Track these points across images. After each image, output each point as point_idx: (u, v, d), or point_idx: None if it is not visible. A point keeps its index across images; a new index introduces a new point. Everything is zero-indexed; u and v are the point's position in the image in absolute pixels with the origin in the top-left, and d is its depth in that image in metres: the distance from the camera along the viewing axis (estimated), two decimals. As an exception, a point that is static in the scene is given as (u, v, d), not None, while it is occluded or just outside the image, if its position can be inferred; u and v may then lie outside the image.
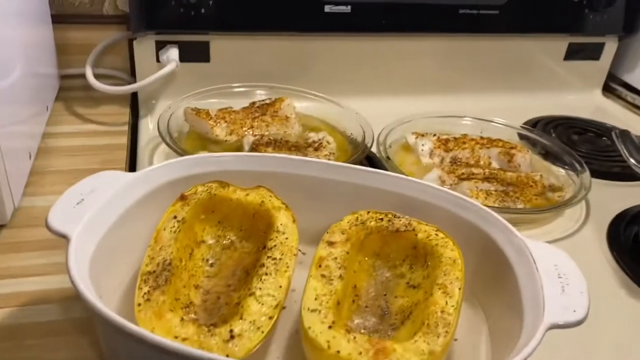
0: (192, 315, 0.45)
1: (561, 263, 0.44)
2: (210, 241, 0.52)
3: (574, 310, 0.40)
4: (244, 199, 0.53)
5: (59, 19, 0.87)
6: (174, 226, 0.48)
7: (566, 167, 0.79)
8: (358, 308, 0.47)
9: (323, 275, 0.45)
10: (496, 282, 0.49)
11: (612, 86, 1.10)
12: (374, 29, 0.89)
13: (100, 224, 0.45)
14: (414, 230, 0.51)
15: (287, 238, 0.49)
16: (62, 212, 0.44)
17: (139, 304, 0.42)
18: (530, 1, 0.94)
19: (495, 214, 0.50)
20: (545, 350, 0.38)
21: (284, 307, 0.50)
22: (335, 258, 0.47)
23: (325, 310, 0.41)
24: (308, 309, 0.41)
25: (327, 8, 0.85)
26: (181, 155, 0.67)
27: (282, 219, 0.51)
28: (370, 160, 0.77)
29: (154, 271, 0.44)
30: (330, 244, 0.48)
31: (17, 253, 0.57)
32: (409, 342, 0.39)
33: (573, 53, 1.03)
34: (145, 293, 0.42)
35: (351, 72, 0.93)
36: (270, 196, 0.53)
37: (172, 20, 0.81)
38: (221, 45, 0.86)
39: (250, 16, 0.84)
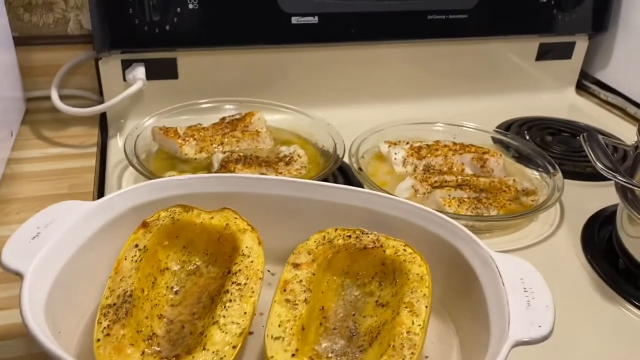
0: (155, 347, 0.44)
1: (527, 276, 0.44)
2: (175, 267, 0.51)
3: (539, 326, 0.39)
4: (209, 222, 0.52)
5: (22, 40, 0.85)
6: (135, 255, 0.47)
7: (539, 169, 0.79)
8: (326, 330, 0.46)
9: (287, 300, 0.44)
10: (465, 294, 0.48)
11: (585, 84, 1.10)
12: (343, 39, 0.89)
13: (57, 258, 0.44)
14: (382, 246, 0.50)
15: (252, 261, 0.48)
16: (17, 247, 0.43)
17: (98, 340, 0.41)
18: (498, 4, 0.94)
19: (461, 226, 0.50)
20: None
21: (251, 333, 0.49)
22: (301, 281, 0.46)
23: (289, 337, 0.41)
24: (271, 337, 0.41)
25: (294, 20, 0.84)
26: (149, 177, 0.66)
27: (248, 241, 0.50)
28: (343, 172, 0.77)
29: (114, 304, 0.43)
30: (296, 266, 0.47)
31: (-21, 287, 0.55)
32: (374, 367, 0.38)
33: (544, 53, 1.03)
34: (104, 327, 0.41)
35: (321, 82, 0.92)
36: (236, 218, 0.52)
37: (137, 39, 0.80)
38: (189, 61, 0.85)
39: (217, 30, 0.83)
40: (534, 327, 0.39)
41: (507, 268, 0.45)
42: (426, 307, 0.44)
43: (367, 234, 0.52)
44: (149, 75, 0.84)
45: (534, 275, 0.44)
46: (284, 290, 0.45)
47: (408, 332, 0.41)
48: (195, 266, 0.52)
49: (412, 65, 0.96)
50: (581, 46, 1.05)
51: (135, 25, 0.78)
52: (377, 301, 0.49)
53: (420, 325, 0.42)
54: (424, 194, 0.72)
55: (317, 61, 0.91)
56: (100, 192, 0.73)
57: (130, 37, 0.80)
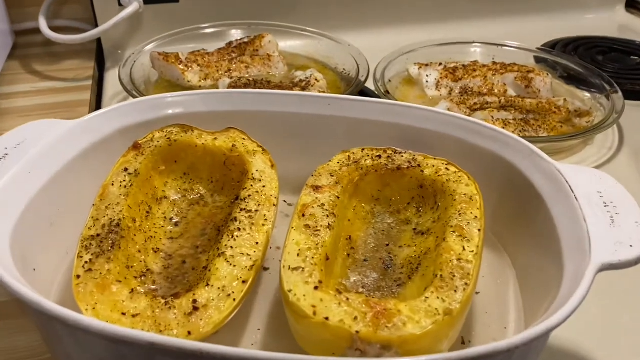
0: (150, 285, 0.36)
1: (607, 189, 0.35)
2: (174, 197, 0.44)
3: (630, 245, 0.30)
4: (212, 144, 0.43)
5: (6, -34, 0.77)
6: (124, 180, 0.40)
7: (593, 90, 0.69)
8: (355, 262, 0.38)
9: (307, 226, 0.36)
10: (524, 219, 0.40)
11: (638, 1, 0.98)
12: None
13: (28, 183, 0.37)
14: (419, 166, 0.42)
15: (264, 186, 0.40)
16: (-21, 169, 0.36)
17: (78, 276, 0.33)
18: None
19: (517, 137, 0.41)
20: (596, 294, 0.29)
21: (266, 269, 0.42)
22: (322, 205, 0.38)
23: (311, 268, 0.33)
24: (289, 268, 0.33)
25: None
26: (146, 104, 0.58)
27: (258, 164, 0.42)
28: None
29: (98, 235, 0.36)
30: (316, 188, 0.39)
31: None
32: (418, 300, 0.30)
33: (591, -35, 0.91)
34: (86, 262, 0.34)
35: (341, 2, 0.82)
36: (244, 139, 0.44)
37: (131, -45, 0.71)
38: (190, -19, 0.76)
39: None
40: (623, 248, 0.30)
41: (580, 181, 0.36)
42: (479, 230, 0.35)
43: (400, 153, 0.43)
44: (147, -1, 0.74)
45: (615, 187, 0.35)
46: (303, 216, 0.37)
47: (459, 260, 0.33)
48: (198, 195, 0.44)
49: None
50: (634, -45, 0.92)
51: (127, -63, 0.69)
52: (415, 229, 0.40)
53: (473, 251, 0.34)
54: (462, 117, 0.63)
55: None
56: (96, 127, 0.65)
57: (123, -47, 0.70)
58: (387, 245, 0.40)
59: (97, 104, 0.69)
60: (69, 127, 0.41)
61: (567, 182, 0.36)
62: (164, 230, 0.41)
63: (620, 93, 0.65)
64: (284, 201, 0.48)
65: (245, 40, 0.72)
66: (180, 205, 0.43)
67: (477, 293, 0.39)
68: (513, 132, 0.59)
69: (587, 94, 0.70)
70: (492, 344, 0.25)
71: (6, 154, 0.38)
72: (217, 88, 0.65)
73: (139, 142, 0.43)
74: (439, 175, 0.41)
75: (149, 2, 0.75)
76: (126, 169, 0.40)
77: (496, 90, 0.68)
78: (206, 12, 0.77)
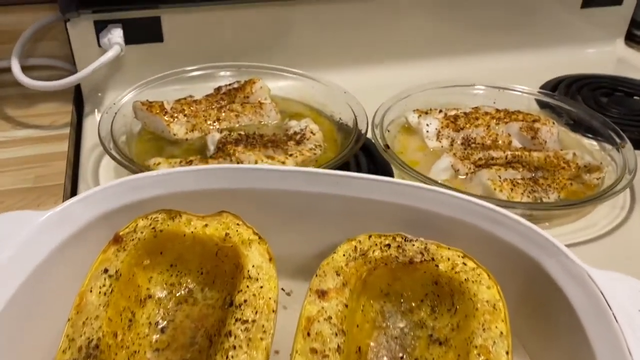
0: (133, 419, 0.32)
1: (649, 306, 0.31)
2: (160, 294, 0.39)
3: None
4: (202, 232, 0.39)
5: (-24, 1, 0.72)
6: (104, 285, 0.35)
7: (600, 139, 0.66)
8: (366, 383, 0.34)
9: (314, 350, 0.32)
10: (551, 325, 0.36)
11: (636, 34, 0.95)
12: (359, -13, 0.74)
13: (-6, 297, 0.32)
14: (433, 259, 0.38)
15: (261, 287, 0.36)
16: None
17: (49, 419, 0.29)
18: (541, -60, 0.79)
19: (543, 232, 0.37)
20: None
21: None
22: (330, 317, 0.34)
23: (320, 411, 0.28)
24: (294, 410, 0.29)
25: (301, -35, 0.70)
26: (128, 166, 0.53)
27: (255, 258, 0.38)
28: (366, 149, 0.64)
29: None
30: (322, 294, 0.35)
31: None
32: None
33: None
34: (59, 399, 0.29)
35: (334, 41, 0.78)
36: (238, 224, 0.40)
37: (111, -6, 0.66)
38: (175, 21, 0.71)
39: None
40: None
41: (617, 293, 0.32)
42: (507, 352, 0.31)
43: (411, 241, 0.39)
44: (129, 39, 0.70)
45: (659, 304, 0.32)
46: (308, 335, 0.32)
47: (488, 398, 0.29)
48: (187, 290, 0.40)
49: (440, 15, 0.82)
50: (635, -11, 0.90)
51: (107, -24, 0.64)
52: (431, 335, 0.36)
53: (503, 383, 0.30)
54: (467, 174, 0.59)
55: (329, 16, 0.76)
56: (73, 185, 0.60)
57: (102, -8, 0.66)
58: (402, 357, 0.36)
59: (75, 155, 0.64)
60: (42, 220, 0.37)
61: (602, 294, 0.32)
62: (148, 340, 0.36)
63: (630, 146, 0.62)
64: (282, 289, 0.43)
65: (235, 85, 0.68)
66: (167, 304, 0.39)
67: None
68: (522, 193, 0.56)
69: (595, 143, 0.67)
70: None
71: (-33, 261, 0.33)
72: (206, 142, 0.60)
73: (120, 233, 0.38)
74: (455, 272, 0.37)
75: (131, 42, 0.70)
76: (106, 270, 0.36)
77: (500, 142, 0.65)
78: (193, 53, 0.73)
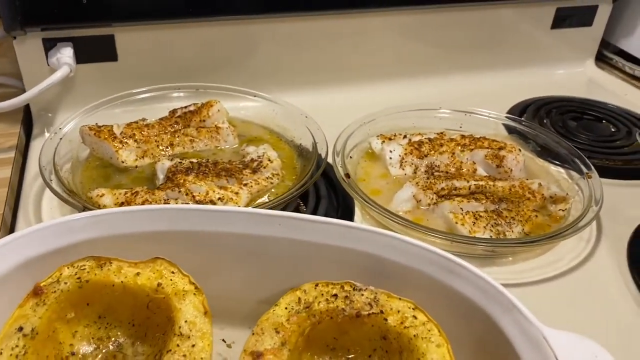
0: None
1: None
2: (86, 349, 0.36)
3: None
4: (133, 282, 0.36)
5: None
6: (16, 346, 0.32)
7: (567, 166, 0.64)
8: None
9: None
10: (504, 387, 0.34)
11: (607, 55, 0.95)
12: (323, 7, 0.72)
13: None
14: (382, 312, 0.35)
15: (193, 345, 0.33)
16: None
17: None
18: (510, -39, 0.77)
19: (499, 286, 0.35)
20: None
21: None
22: (264, 384, 0.31)
23: None
24: None
25: (256, -17, 0.67)
26: (68, 201, 0.50)
27: (188, 312, 0.35)
28: (326, 175, 0.61)
29: None
30: (257, 356, 0.32)
31: None
32: None
33: (561, 20, 0.87)
34: None
35: (296, 61, 0.76)
36: (172, 273, 0.37)
37: (61, 10, 0.63)
38: (130, 39, 0.68)
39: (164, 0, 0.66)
40: None
41: (573, 356, 0.30)
42: None
43: (359, 290, 0.37)
44: (80, 58, 0.67)
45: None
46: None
47: None
48: (116, 344, 0.37)
49: (406, 36, 0.80)
50: (604, 11, 0.89)
51: (56, -7, 0.61)
52: (378, 395, 0.34)
53: None
54: (429, 205, 0.57)
55: (290, 34, 0.74)
56: (14, 215, 0.56)
57: (52, 8, 0.62)
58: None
59: (19, 185, 0.61)
60: (-49, 271, 0.33)
61: (555, 357, 0.30)
62: (69, 406, 0.33)
63: (597, 176, 0.60)
64: (223, 340, 0.40)
65: (191, 108, 0.65)
66: (93, 361, 0.36)
67: None
68: (485, 227, 0.54)
69: (562, 170, 0.65)
70: None
71: None
72: (155, 171, 0.57)
73: (41, 284, 0.35)
74: (405, 327, 0.34)
75: (83, 60, 0.67)
76: (21, 329, 0.33)
77: (465, 169, 0.63)
78: (149, 72, 0.70)
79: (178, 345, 0.33)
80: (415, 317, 0.35)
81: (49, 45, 0.65)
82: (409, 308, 0.35)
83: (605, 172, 0.65)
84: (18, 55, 0.66)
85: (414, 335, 0.34)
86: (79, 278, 0.35)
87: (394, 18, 0.77)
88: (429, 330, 0.34)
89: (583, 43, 0.91)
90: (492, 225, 0.54)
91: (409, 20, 0.78)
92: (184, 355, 0.32)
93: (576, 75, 0.92)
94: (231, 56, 0.73)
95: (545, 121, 0.76)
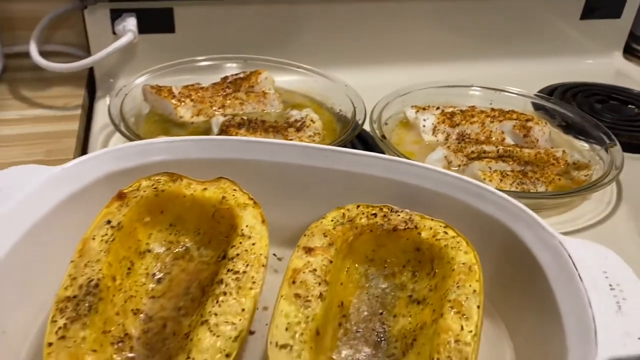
0: (127, 354, 0.34)
1: (612, 268, 0.34)
2: (158, 249, 0.41)
3: (639, 338, 0.29)
4: (201, 194, 0.42)
5: (0, -11, 0.75)
6: (106, 234, 0.38)
7: (591, 140, 0.68)
8: (346, 334, 0.36)
9: (297, 295, 0.34)
10: (524, 291, 0.38)
11: (635, 48, 0.98)
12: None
13: (6, 235, 0.35)
14: (416, 227, 0.40)
15: (254, 244, 0.38)
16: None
17: (50, 344, 0.31)
18: (542, -49, 0.82)
19: (521, 205, 0.39)
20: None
21: (252, 333, 0.40)
22: (314, 270, 0.36)
23: (299, 346, 0.31)
24: (276, 345, 0.31)
25: (309, -35, 0.73)
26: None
27: (249, 219, 0.40)
28: (363, 141, 0.66)
29: (75, 296, 0.34)
30: (308, 250, 0.37)
31: None
32: (414, 390, 0.28)
33: (590, 11, 0.91)
34: (60, 328, 0.32)
35: (339, 40, 0.81)
36: (234, 190, 0.42)
37: (127, -16, 0.70)
38: (187, 13, 0.74)
39: (219, -24, 0.72)
40: (632, 340, 0.29)
41: (584, 258, 0.34)
42: (478, 307, 0.34)
43: (397, 212, 0.42)
44: (142, 28, 0.73)
45: (621, 267, 0.34)
46: (293, 283, 0.35)
47: (457, 341, 0.31)
48: (184, 248, 0.42)
49: (441, 22, 0.85)
50: (633, 3, 0.92)
51: (125, -33, 0.68)
52: (410, 296, 0.39)
53: (472, 331, 0.32)
54: (460, 166, 0.61)
55: (335, 15, 0.79)
56: (82, 160, 0.63)
57: (119, -18, 0.69)
58: (381, 313, 0.38)
59: (85, 136, 0.67)
60: (52, 174, 0.39)
61: (571, 259, 0.34)
62: (145, 288, 0.39)
63: (619, 146, 0.64)
64: (274, 254, 0.46)
65: (241, 75, 0.71)
66: (164, 259, 0.41)
67: (472, 367, 0.37)
68: (511, 184, 0.58)
69: (586, 144, 0.69)
70: None
71: (-17, 203, 0.35)
72: (210, 125, 0.63)
73: (124, 191, 0.41)
74: (436, 239, 0.39)
75: (144, 31, 0.73)
76: (109, 222, 0.38)
77: (494, 138, 0.67)
78: (202, 44, 0.76)
79: (240, 243, 0.38)
80: (446, 232, 0.40)
81: (115, 15, 0.72)
82: (440, 226, 0.40)
83: (629, 148, 0.69)
84: (87, 24, 0.73)
85: (444, 245, 0.38)
86: (155, 188, 0.41)
87: (430, 3, 0.82)
88: (458, 242, 0.39)
89: (611, 34, 0.95)
90: (518, 184, 0.58)
91: (443, 6, 0.83)
92: (246, 250, 0.38)
93: (604, 66, 0.95)
94: (278, 33, 0.78)
95: (571, 102, 0.80)
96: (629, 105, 0.82)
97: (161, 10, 0.73)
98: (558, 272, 0.35)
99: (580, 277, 0.33)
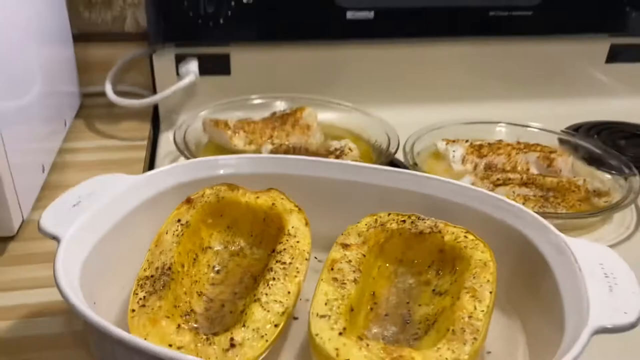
0: (193, 324, 0.41)
1: (608, 261, 0.39)
2: (218, 247, 0.49)
3: (625, 312, 0.34)
4: (254, 202, 0.49)
5: (81, 37, 0.87)
6: (177, 230, 0.45)
7: (613, 171, 0.73)
8: (376, 316, 0.42)
9: (335, 279, 0.40)
10: (534, 287, 0.43)
11: (661, 89, 1.02)
12: (399, 35, 0.86)
13: (96, 227, 0.43)
14: (440, 232, 0.46)
15: (298, 241, 0.45)
16: (56, 214, 0.42)
17: (133, 310, 0.38)
18: (565, 0, 0.88)
19: (531, 212, 0.45)
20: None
21: (295, 318, 0.46)
22: (350, 261, 0.42)
23: (336, 316, 0.37)
24: (317, 315, 0.37)
25: (349, 14, 0.82)
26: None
27: (294, 221, 0.47)
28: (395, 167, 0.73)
29: (152, 276, 0.41)
30: (345, 246, 0.44)
31: (23, 265, 0.54)
32: (431, 350, 0.34)
33: (616, 55, 0.96)
34: (140, 299, 0.39)
35: (376, 80, 0.89)
36: (282, 198, 0.49)
37: (191, 32, 0.80)
38: (242, 57, 0.84)
39: (270, 26, 0.82)
40: (618, 314, 0.34)
41: (584, 254, 0.40)
42: (490, 292, 0.39)
43: (423, 219, 0.48)
44: (202, 71, 0.83)
45: (616, 260, 0.39)
46: (332, 269, 0.41)
47: (470, 317, 0.37)
48: (239, 247, 0.49)
49: (472, 64, 0.92)
50: (657, 48, 0.98)
51: (190, 18, 0.78)
52: (434, 290, 0.44)
53: (483, 310, 0.37)
54: (485, 191, 0.67)
55: (372, 58, 0.88)
56: (148, 182, 0.71)
57: (184, 30, 0.79)
58: (408, 303, 0.44)
59: (151, 162, 0.76)
60: (133, 181, 0.47)
61: (572, 254, 0.40)
62: (207, 276, 0.46)
63: (638, 176, 0.68)
64: (315, 257, 0.52)
65: (288, 111, 0.79)
66: (223, 255, 0.48)
67: (488, 352, 0.42)
68: (533, 207, 0.63)
69: (608, 176, 0.73)
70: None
71: (79, 201, 0.44)
72: (260, 152, 0.71)
73: (191, 197, 0.48)
74: (457, 242, 0.45)
75: (204, 73, 0.83)
76: (179, 220, 0.46)
77: (519, 168, 0.73)
78: (254, 84, 0.85)
79: (287, 240, 0.45)
80: (466, 236, 0.45)
81: (179, 59, 0.82)
82: (462, 231, 0.46)
83: (650, 179, 0.73)
84: (155, 67, 0.83)
85: (464, 247, 0.44)
86: (217, 195, 0.49)
87: (461, 48, 0.90)
88: (476, 244, 0.44)
89: (638, 78, 1.00)
90: (540, 207, 0.64)
91: (473, 50, 0.91)
92: (291, 246, 0.44)
93: (632, 108, 0.98)
94: (323, 74, 0.87)
95: (595, 137, 0.85)
96: (653, 142, 0.86)
97: (219, 55, 0.83)
98: (561, 265, 0.40)
99: (579, 267, 0.38)
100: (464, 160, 0.74)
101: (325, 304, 0.38)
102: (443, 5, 0.84)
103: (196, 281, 0.44)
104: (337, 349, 0.34)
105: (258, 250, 0.49)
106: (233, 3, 0.79)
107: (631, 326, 0.33)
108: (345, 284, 0.40)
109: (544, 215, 0.61)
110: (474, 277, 0.40)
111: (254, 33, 0.82)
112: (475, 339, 0.35)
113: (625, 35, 0.95)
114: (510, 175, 0.69)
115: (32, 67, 0.63)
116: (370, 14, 0.83)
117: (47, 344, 0.46)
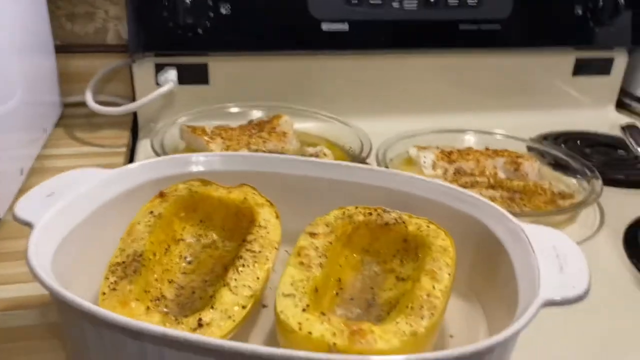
0: (163, 308, 0.42)
1: (560, 244, 0.41)
2: (190, 239, 0.50)
3: (573, 286, 0.36)
4: (226, 196, 0.50)
5: (63, 49, 0.89)
6: (149, 221, 0.46)
7: (577, 176, 0.75)
8: (342, 300, 0.44)
9: (301, 263, 0.42)
10: (493, 273, 0.45)
11: (627, 102, 1.06)
12: (373, 46, 0.89)
13: (70, 217, 0.44)
14: (404, 223, 0.48)
15: (268, 232, 0.47)
16: (30, 202, 0.43)
17: (104, 293, 0.39)
18: (533, 14, 0.92)
19: (490, 202, 0.47)
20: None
21: (264, 306, 0.47)
22: (317, 248, 0.44)
23: (301, 295, 0.38)
24: (282, 294, 0.38)
25: (325, 26, 0.85)
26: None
27: (265, 214, 0.48)
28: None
29: (124, 262, 0.42)
30: (313, 234, 0.45)
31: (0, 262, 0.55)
32: (390, 324, 0.35)
33: (581, 68, 1.00)
34: (111, 283, 0.40)
35: (351, 90, 0.92)
36: (254, 193, 0.51)
37: (170, 42, 0.82)
38: (220, 67, 0.86)
39: (248, 36, 0.84)
40: (567, 288, 0.36)
41: (539, 237, 0.42)
42: (449, 275, 0.41)
43: (388, 212, 0.49)
44: (181, 80, 0.85)
45: (567, 242, 0.41)
46: (299, 255, 0.43)
47: (428, 296, 0.38)
48: (211, 240, 0.51)
49: (443, 76, 0.95)
50: (620, 62, 1.02)
51: (169, 28, 0.80)
52: (397, 276, 0.46)
53: (441, 290, 0.39)
54: (454, 193, 0.69)
55: (347, 69, 0.91)
56: (125, 186, 0.73)
57: (164, 40, 0.81)
58: (372, 288, 0.45)
59: (129, 168, 0.77)
60: (107, 175, 0.49)
61: (527, 238, 0.42)
62: (179, 266, 0.47)
63: (599, 178, 0.71)
64: (286, 251, 0.53)
65: (265, 119, 0.81)
66: (195, 247, 0.50)
67: (451, 336, 0.44)
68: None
69: (573, 180, 0.76)
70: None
71: (53, 192, 0.45)
72: (236, 157, 0.73)
73: (164, 191, 0.50)
74: (420, 231, 0.47)
75: (183, 82, 0.85)
76: (151, 212, 0.47)
77: (487, 173, 0.75)
78: (232, 94, 0.87)
79: (257, 232, 0.46)
80: (428, 226, 0.47)
81: (159, 68, 0.84)
82: (424, 222, 0.48)
83: (613, 183, 0.75)
84: (134, 75, 0.85)
85: (426, 235, 0.46)
86: (189, 189, 0.50)
87: (433, 60, 0.93)
88: (438, 233, 0.46)
89: (603, 90, 1.03)
90: (506, 207, 0.66)
91: (444, 62, 0.94)
92: (262, 236, 0.46)
93: (597, 119, 1.01)
94: (300, 84, 0.89)
95: (562, 146, 0.88)
96: (618, 150, 0.89)
97: (198, 65, 0.86)
98: (518, 250, 0.42)
99: (532, 250, 0.40)
100: (434, 166, 0.76)
101: (291, 284, 0.39)
102: (415, 18, 0.88)
103: (167, 270, 0.46)
104: (300, 323, 0.35)
105: (230, 243, 0.50)
106: (212, 14, 0.81)
107: (579, 298, 0.35)
108: (311, 267, 0.41)
109: (511, 213, 0.64)
110: (433, 261, 0.42)
111: (232, 43, 0.84)
112: (432, 314, 0.36)
113: (590, 49, 0.99)
114: (479, 179, 0.72)
115: (14, 76, 0.65)
116: (344, 26, 0.86)
117: (22, 335, 0.47)
